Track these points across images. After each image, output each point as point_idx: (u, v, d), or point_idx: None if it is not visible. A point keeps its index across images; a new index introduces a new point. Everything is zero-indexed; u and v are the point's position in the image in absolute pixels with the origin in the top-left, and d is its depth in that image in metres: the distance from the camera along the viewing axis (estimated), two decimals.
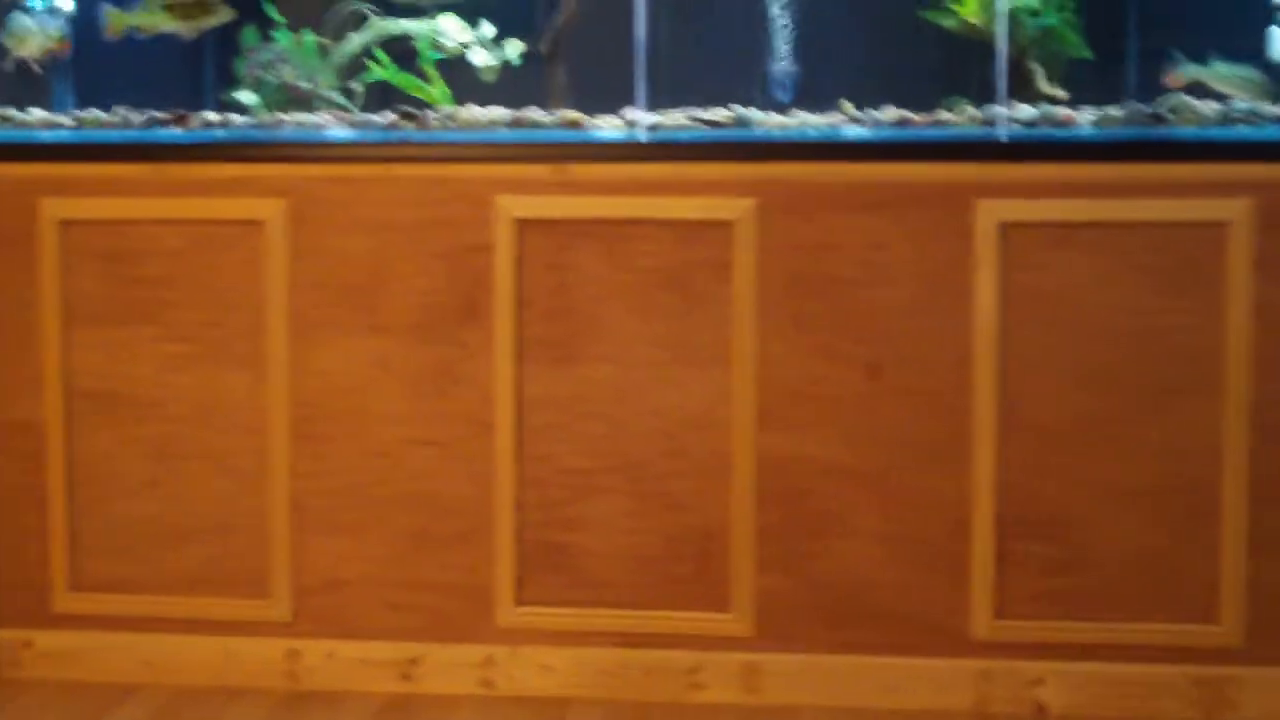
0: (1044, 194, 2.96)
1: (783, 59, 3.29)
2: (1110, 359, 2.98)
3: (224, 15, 3.29)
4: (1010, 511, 3.01)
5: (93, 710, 3.09)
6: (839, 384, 3.02)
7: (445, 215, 3.07)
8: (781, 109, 3.19)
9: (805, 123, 3.14)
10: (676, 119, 3.15)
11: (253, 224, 3.11)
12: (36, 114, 3.35)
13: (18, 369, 3.18)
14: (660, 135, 3.12)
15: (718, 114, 3.17)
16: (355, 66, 3.37)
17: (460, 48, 3.30)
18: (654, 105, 3.15)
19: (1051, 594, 3.02)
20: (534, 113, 3.21)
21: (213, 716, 3.07)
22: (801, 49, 3.31)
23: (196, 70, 3.57)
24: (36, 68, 3.30)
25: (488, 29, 3.31)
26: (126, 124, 3.30)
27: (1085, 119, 3.07)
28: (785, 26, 3.30)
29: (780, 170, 3.01)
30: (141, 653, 3.21)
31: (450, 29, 3.30)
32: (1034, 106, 3.09)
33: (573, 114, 3.19)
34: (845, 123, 3.13)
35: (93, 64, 3.48)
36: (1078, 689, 3.01)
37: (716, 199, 3.02)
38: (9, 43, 3.31)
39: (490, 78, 3.29)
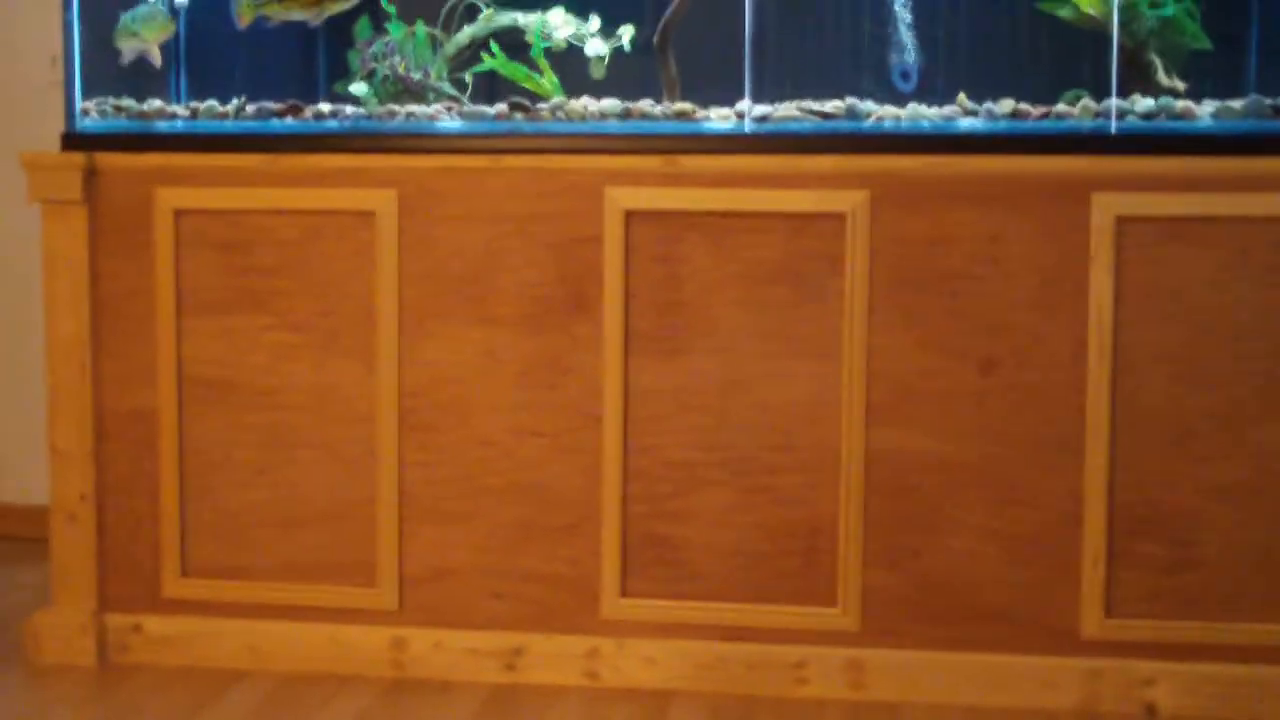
0: (1161, 188, 2.92)
1: (902, 49, 3.26)
2: (1225, 356, 2.94)
3: (347, 2, 3.29)
4: (1122, 509, 2.98)
5: (201, 696, 3.12)
6: (950, 379, 3.00)
7: (555, 207, 3.09)
8: (900, 100, 3.17)
9: (919, 114, 3.11)
10: (788, 110, 3.13)
11: (364, 214, 3.14)
12: (153, 104, 3.39)
13: (133, 357, 3.23)
14: (770, 127, 3.11)
15: (829, 105, 3.14)
16: (467, 58, 3.37)
17: (570, 40, 3.28)
18: (766, 97, 3.14)
19: (1163, 593, 2.99)
20: (644, 104, 3.20)
21: (319, 704, 3.10)
22: (917, 40, 3.28)
23: (310, 61, 3.60)
24: (155, 59, 3.32)
25: (597, 22, 3.30)
26: (240, 115, 3.33)
27: (1204, 111, 3.02)
28: (901, 17, 3.28)
29: (893, 162, 2.99)
30: (249, 639, 3.25)
31: (560, 21, 3.28)
32: (1152, 99, 3.05)
33: (683, 105, 3.18)
34: (960, 114, 3.10)
35: (208, 55, 3.52)
36: (1188, 690, 2.98)
37: (828, 191, 3.01)
38: (132, 34, 3.33)
39: (600, 71, 3.28)
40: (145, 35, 3.30)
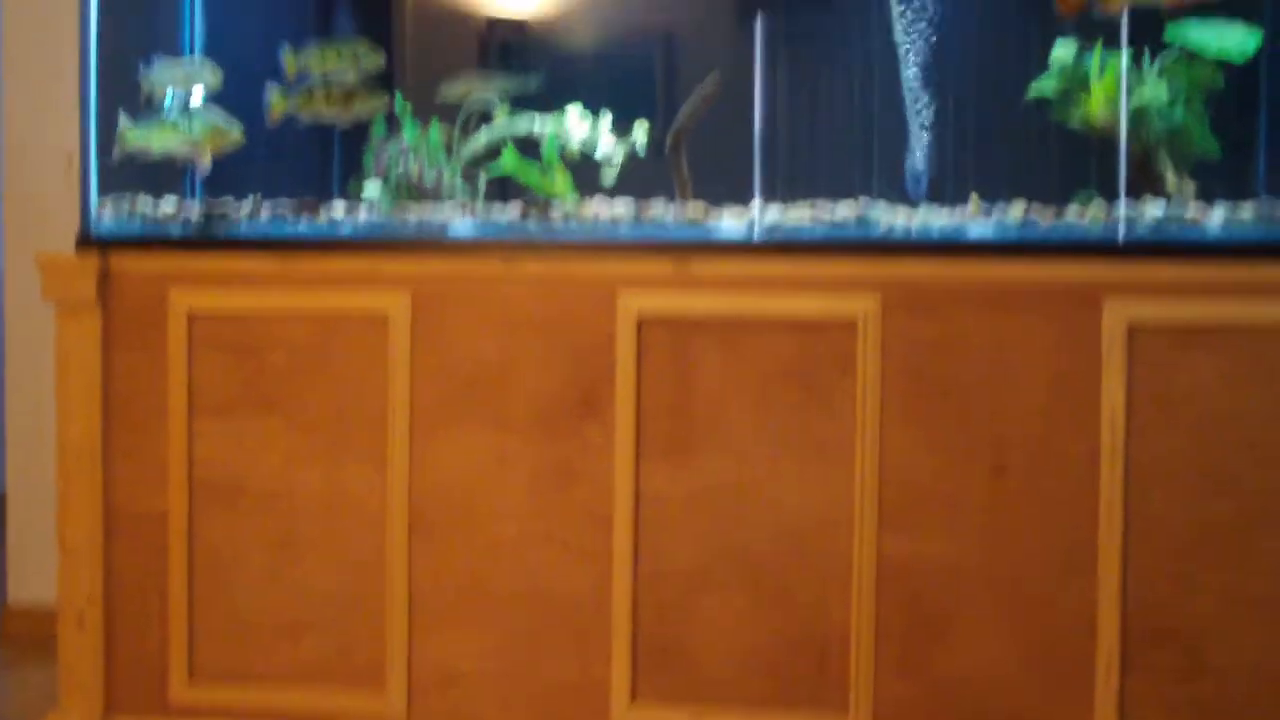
0: (1173, 294, 2.93)
1: (914, 152, 3.29)
2: (1239, 464, 2.93)
3: (378, 103, 3.33)
4: (1136, 617, 2.96)
5: None
6: (963, 485, 3.00)
7: (567, 310, 3.10)
8: (912, 202, 3.19)
9: (929, 220, 3.12)
10: (800, 214, 3.15)
11: (377, 318, 3.16)
12: (168, 203, 3.40)
13: (144, 459, 3.23)
14: (783, 232, 3.12)
15: (841, 209, 3.16)
16: (482, 161, 3.40)
17: (584, 146, 3.31)
18: (778, 197, 3.17)
19: (1177, 702, 2.96)
20: (657, 207, 3.22)
21: None
22: (928, 143, 3.31)
23: (325, 159, 3.62)
24: (203, 166, 3.34)
25: (609, 132, 3.33)
26: (255, 215, 3.34)
27: (1215, 217, 3.03)
28: (913, 119, 3.30)
29: (904, 268, 3.00)
30: None
31: (574, 126, 3.31)
32: (1163, 204, 3.06)
33: (695, 209, 3.20)
34: (971, 217, 3.11)
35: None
36: None
37: (839, 297, 3.02)
38: (185, 137, 3.35)
39: (612, 176, 3.30)
40: (203, 141, 3.32)
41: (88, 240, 3.28)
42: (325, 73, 3.32)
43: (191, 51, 3.60)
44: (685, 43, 3.69)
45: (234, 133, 3.33)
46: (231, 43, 3.65)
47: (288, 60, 3.34)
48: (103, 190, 3.33)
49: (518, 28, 3.79)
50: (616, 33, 3.72)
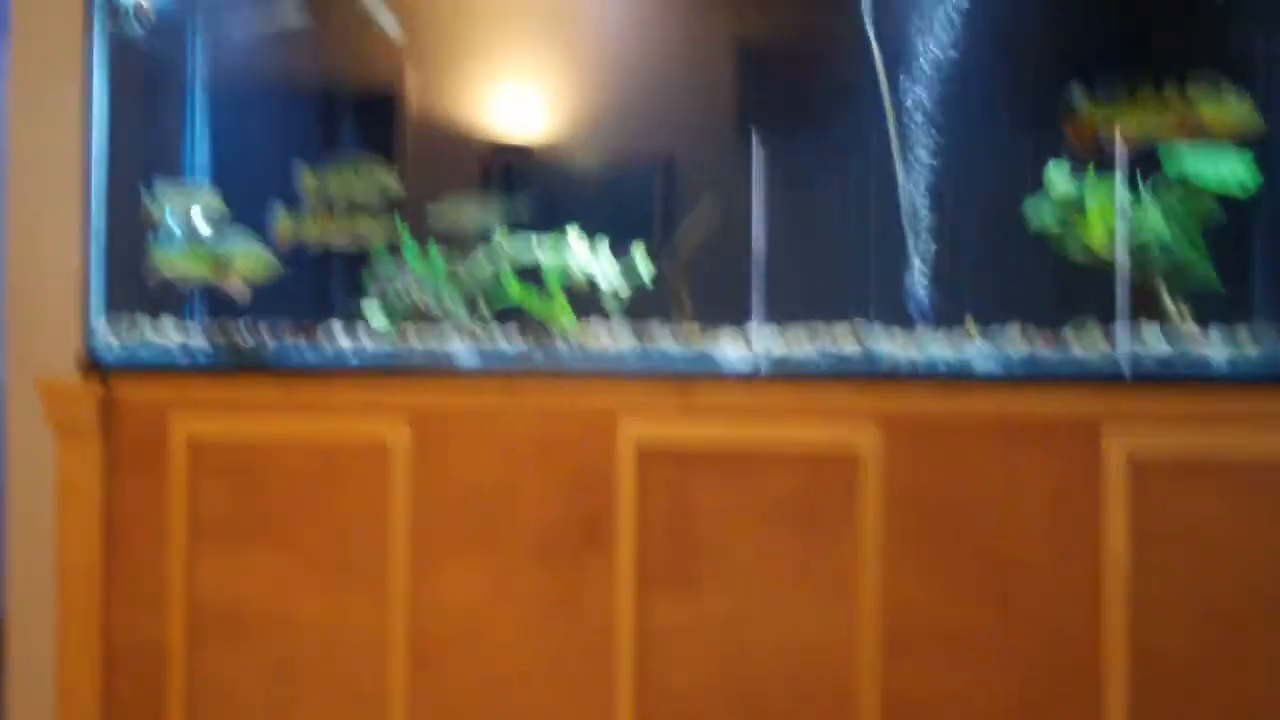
0: (1174, 426, 2.94)
1: (912, 273, 3.31)
2: (1243, 598, 2.93)
3: (381, 225, 3.35)
4: None
5: None
6: (967, 616, 2.99)
7: (569, 439, 3.10)
8: (909, 326, 3.22)
9: (927, 342, 3.14)
10: (801, 342, 3.17)
11: (377, 446, 3.16)
12: (168, 327, 3.42)
13: (141, 587, 3.22)
14: (784, 362, 3.13)
15: (840, 333, 3.18)
16: (482, 284, 3.41)
17: (587, 274, 3.33)
18: (778, 319, 3.20)
19: None
20: (658, 335, 3.24)
21: None
22: (926, 264, 3.33)
23: (324, 282, 3.63)
24: (239, 293, 3.37)
25: (608, 255, 3.35)
26: (256, 339, 3.35)
27: (1217, 353, 3.04)
28: (913, 241, 3.32)
29: (907, 399, 3.01)
30: None
31: (577, 254, 3.32)
32: (1163, 336, 3.07)
33: (696, 337, 3.22)
34: (969, 341, 3.13)
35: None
36: None
37: (842, 427, 3.02)
38: (216, 262, 3.36)
39: (615, 306, 3.33)
40: (239, 267, 3.34)
41: (89, 365, 3.30)
42: (334, 193, 3.35)
43: (194, 173, 3.61)
44: (685, 165, 3.71)
45: (272, 259, 3.35)
46: (232, 163, 3.67)
47: (306, 178, 3.34)
48: (106, 314, 3.35)
49: (518, 150, 3.80)
50: (616, 155, 3.73)
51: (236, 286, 3.31)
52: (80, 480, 3.23)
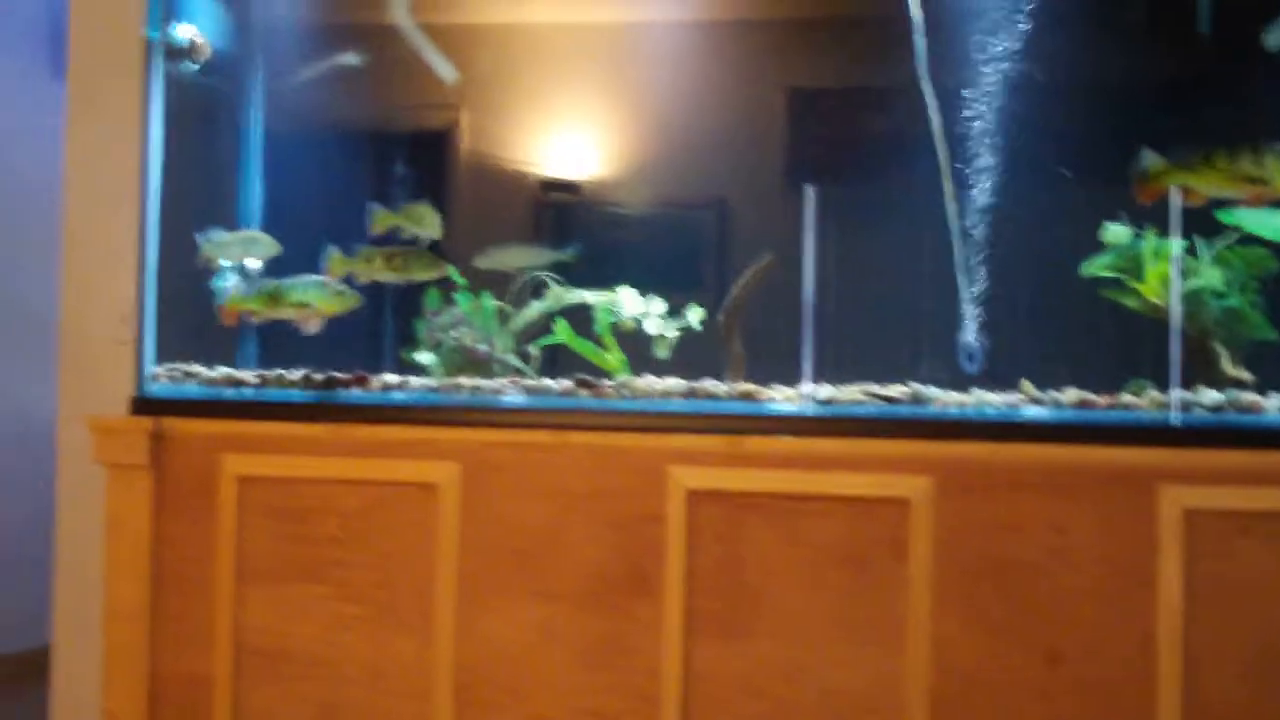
0: (1229, 481, 2.95)
1: (968, 331, 3.35)
2: None
3: (437, 271, 3.41)
4: None
5: None
6: (1016, 671, 3.01)
7: (618, 484, 3.15)
8: (962, 383, 3.25)
9: (983, 401, 3.19)
10: (852, 393, 3.22)
11: (426, 486, 3.22)
12: (222, 371, 3.51)
13: (190, 622, 3.30)
14: (835, 410, 3.19)
15: (894, 390, 3.22)
16: (534, 331, 3.49)
17: (638, 320, 3.40)
18: (829, 377, 3.23)
19: None
20: (708, 384, 3.28)
21: None
22: (982, 325, 3.38)
23: (377, 327, 3.72)
24: (311, 327, 3.43)
25: (662, 304, 3.41)
26: (308, 383, 3.44)
27: (1271, 404, 3.08)
28: (967, 297, 3.37)
29: (957, 449, 3.05)
30: None
31: (628, 300, 3.39)
32: (1218, 390, 3.12)
33: (747, 386, 3.26)
34: (1025, 402, 3.17)
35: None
36: None
37: (892, 476, 3.06)
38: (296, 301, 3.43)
39: (665, 351, 3.38)
40: (320, 306, 3.40)
41: (141, 404, 3.39)
42: (387, 235, 3.42)
43: (249, 212, 3.71)
44: (737, 213, 3.79)
45: (352, 298, 3.41)
46: (287, 203, 3.76)
47: (378, 218, 3.43)
48: (157, 355, 3.45)
49: (570, 195, 3.89)
50: (669, 202, 3.81)
51: (310, 320, 3.39)
52: (129, 517, 3.32)
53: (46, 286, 3.94)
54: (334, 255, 3.43)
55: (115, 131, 3.49)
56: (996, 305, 3.43)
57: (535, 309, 3.51)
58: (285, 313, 3.38)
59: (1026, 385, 3.20)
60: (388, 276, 3.41)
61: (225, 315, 3.43)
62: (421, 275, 3.41)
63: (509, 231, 3.80)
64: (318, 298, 3.36)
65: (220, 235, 3.54)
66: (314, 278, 3.40)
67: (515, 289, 3.51)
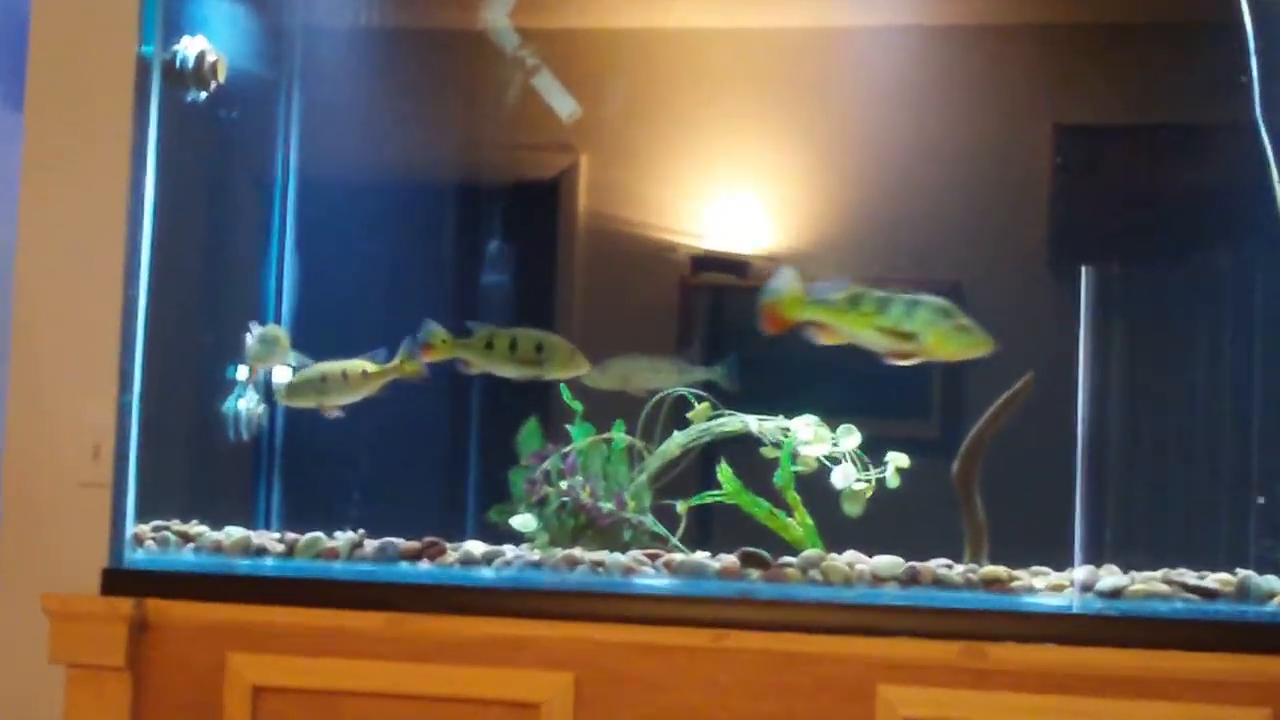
0: None
1: None
2: None
3: (577, 366, 3.42)
4: None
5: None
6: None
7: (803, 710, 3.10)
8: None
9: None
10: (1151, 582, 3.15)
11: (523, 707, 3.17)
12: (232, 532, 3.47)
13: None
14: (1124, 606, 3.11)
15: (1215, 578, 3.14)
16: (675, 478, 3.46)
17: (820, 461, 3.36)
18: (1116, 558, 3.19)
19: None
20: (936, 565, 3.22)
21: None
22: None
23: (456, 480, 3.68)
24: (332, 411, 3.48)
25: (856, 437, 3.36)
26: (355, 553, 3.41)
27: None
28: None
29: None
30: None
31: (812, 440, 3.34)
32: None
33: (993, 569, 3.20)
34: None
35: (311, 456, 3.60)
36: None
37: (1213, 708, 2.97)
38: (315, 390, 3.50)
39: (856, 508, 3.33)
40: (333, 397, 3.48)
41: (117, 578, 3.34)
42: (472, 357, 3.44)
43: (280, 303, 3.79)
44: (978, 304, 3.66)
45: (419, 364, 3.45)
46: (326, 290, 3.81)
47: (436, 341, 3.45)
48: (142, 511, 3.42)
49: (730, 279, 3.87)
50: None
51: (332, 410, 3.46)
52: None
53: None
54: (436, 331, 3.43)
55: (91, 183, 3.47)
56: None
57: (678, 442, 3.45)
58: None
59: None
60: (511, 371, 3.42)
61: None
62: (560, 373, 3.42)
63: (639, 332, 3.79)
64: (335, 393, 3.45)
65: (274, 332, 3.59)
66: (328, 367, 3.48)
67: (652, 419, 3.45)
